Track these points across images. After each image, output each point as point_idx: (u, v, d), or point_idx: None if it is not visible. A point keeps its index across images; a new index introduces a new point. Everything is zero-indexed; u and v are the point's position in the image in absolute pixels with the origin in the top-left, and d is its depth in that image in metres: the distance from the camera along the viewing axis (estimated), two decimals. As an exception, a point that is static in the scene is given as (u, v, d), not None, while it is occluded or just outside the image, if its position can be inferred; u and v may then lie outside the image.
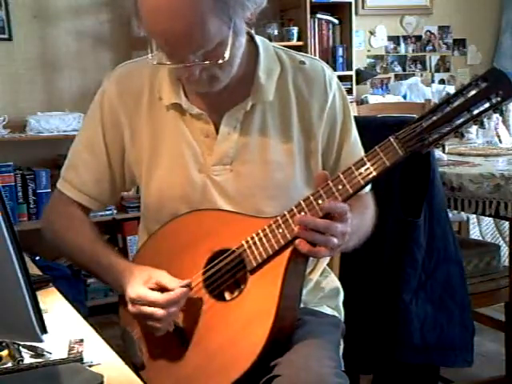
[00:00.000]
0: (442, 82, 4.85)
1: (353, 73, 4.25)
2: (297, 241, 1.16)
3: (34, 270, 1.52)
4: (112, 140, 1.41)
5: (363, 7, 4.57)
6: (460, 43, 4.96)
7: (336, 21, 4.25)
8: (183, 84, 1.34)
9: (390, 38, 4.75)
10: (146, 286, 1.21)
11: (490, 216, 2.31)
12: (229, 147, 1.33)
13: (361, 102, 4.07)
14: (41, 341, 0.89)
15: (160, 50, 1.23)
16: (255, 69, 1.32)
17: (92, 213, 1.49)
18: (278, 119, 1.35)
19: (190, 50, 1.17)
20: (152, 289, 1.21)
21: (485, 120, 1.07)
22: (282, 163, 1.34)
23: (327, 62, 1.46)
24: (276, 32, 4.02)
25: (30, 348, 1.09)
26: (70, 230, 1.41)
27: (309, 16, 4.05)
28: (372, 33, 4.68)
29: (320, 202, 1.16)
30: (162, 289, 1.21)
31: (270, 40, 1.62)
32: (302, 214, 1.17)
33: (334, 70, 3.76)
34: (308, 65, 1.39)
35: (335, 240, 1.15)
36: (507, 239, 3.25)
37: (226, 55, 1.19)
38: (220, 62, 1.19)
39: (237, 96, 1.32)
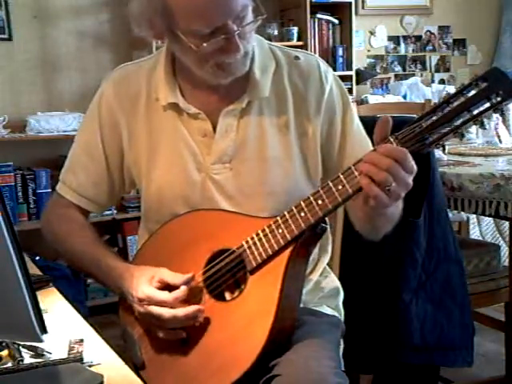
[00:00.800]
0: (442, 82, 4.85)
1: (353, 73, 4.24)
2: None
3: (33, 269, 1.52)
4: (110, 142, 1.41)
5: (363, 7, 4.56)
6: (460, 43, 4.95)
7: (336, 21, 4.25)
8: (180, 84, 1.34)
9: (390, 38, 4.75)
10: (151, 285, 1.22)
11: (489, 216, 2.31)
12: (227, 145, 1.33)
13: (361, 102, 4.06)
14: (41, 341, 0.89)
15: (197, 40, 1.20)
16: (250, 65, 1.32)
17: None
18: (274, 115, 1.34)
19: (231, 9, 1.17)
20: (157, 288, 1.21)
21: (485, 120, 1.06)
22: (281, 160, 1.34)
23: (327, 62, 1.45)
24: (276, 32, 4.01)
25: (30, 348, 1.09)
26: (69, 234, 1.41)
27: (309, 16, 4.04)
28: (372, 33, 4.68)
29: (320, 202, 1.16)
30: (167, 286, 1.21)
31: (270, 40, 1.62)
32: (302, 214, 1.17)
33: (334, 70, 3.76)
34: (302, 60, 1.39)
35: (399, 188, 1.08)
36: (507, 239, 3.25)
37: (253, 17, 1.22)
38: (259, 18, 1.21)
39: (233, 94, 1.32)
